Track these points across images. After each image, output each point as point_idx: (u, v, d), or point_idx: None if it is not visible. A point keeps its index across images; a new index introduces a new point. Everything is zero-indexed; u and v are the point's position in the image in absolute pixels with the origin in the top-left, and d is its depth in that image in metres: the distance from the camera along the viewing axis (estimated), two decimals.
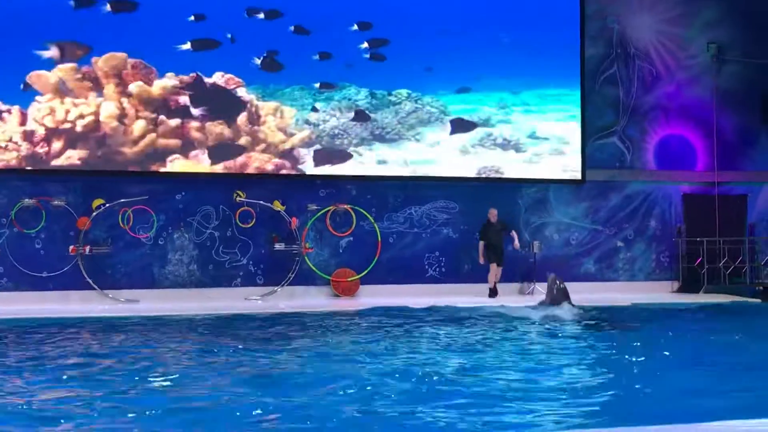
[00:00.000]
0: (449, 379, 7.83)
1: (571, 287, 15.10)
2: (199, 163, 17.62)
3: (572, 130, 19.53)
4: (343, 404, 6.67)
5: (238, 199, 17.52)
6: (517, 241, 18.07)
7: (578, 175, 19.53)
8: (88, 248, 16.63)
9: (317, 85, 18.38)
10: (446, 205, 18.79)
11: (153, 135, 17.35)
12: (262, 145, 17.94)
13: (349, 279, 17.99)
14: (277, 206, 17.66)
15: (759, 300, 17.45)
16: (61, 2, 17.06)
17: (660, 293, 18.76)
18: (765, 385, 7.69)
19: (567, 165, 19.49)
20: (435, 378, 7.83)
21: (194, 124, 17.66)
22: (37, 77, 16.93)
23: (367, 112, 18.62)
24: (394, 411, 6.49)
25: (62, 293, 16.53)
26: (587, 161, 19.59)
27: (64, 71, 17.04)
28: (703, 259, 19.23)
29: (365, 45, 18.60)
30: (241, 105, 17.94)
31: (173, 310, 14.81)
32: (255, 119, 17.99)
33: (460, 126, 18.91)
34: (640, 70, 20.13)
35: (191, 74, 17.66)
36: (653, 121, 20.24)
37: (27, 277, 16.52)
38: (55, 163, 16.91)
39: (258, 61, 18.03)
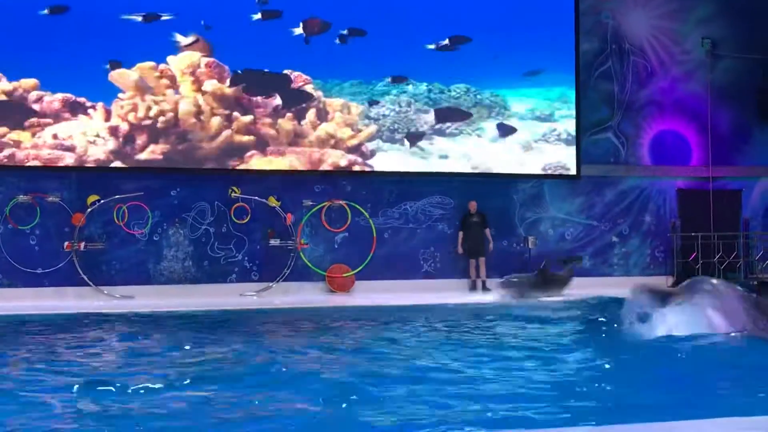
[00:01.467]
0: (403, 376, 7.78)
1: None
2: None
3: (568, 126, 19.77)
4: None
5: (233, 195, 17.57)
6: (491, 243, 18.46)
7: (573, 171, 19.68)
8: (82, 244, 16.66)
9: (389, 79, 18.84)
10: (441, 200, 18.88)
11: (228, 131, 17.82)
12: (332, 141, 18.39)
13: (344, 275, 18.04)
14: (273, 202, 17.73)
15: (754, 295, 17.47)
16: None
17: None
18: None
19: (562, 160, 19.69)
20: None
21: (266, 120, 18.06)
22: (118, 75, 17.33)
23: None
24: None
25: (57, 289, 16.53)
26: (582, 157, 19.71)
27: (142, 69, 17.48)
28: (697, 254, 19.32)
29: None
30: (310, 101, 18.42)
31: (167, 306, 14.88)
32: (323, 115, 18.45)
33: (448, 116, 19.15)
34: (634, 66, 20.26)
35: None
36: (648, 116, 20.38)
37: (21, 273, 16.55)
38: (139, 157, 17.38)
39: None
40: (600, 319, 12.08)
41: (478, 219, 18.55)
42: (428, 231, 18.75)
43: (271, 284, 17.54)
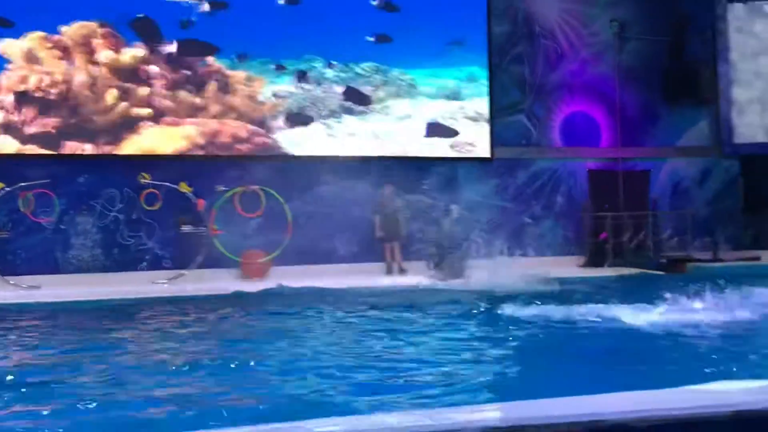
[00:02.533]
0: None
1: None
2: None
3: (477, 105, 19.99)
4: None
5: (143, 181, 17.36)
6: (406, 225, 18.61)
7: (482, 150, 19.89)
8: None
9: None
10: (356, 184, 18.76)
11: (124, 104, 17.52)
12: (234, 114, 18.22)
13: (259, 261, 17.95)
14: (184, 188, 17.56)
15: (662, 272, 18.01)
16: None
17: (567, 268, 18.96)
18: None
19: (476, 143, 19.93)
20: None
21: (164, 92, 17.81)
22: (7, 45, 16.95)
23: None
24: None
25: None
26: (495, 139, 19.92)
27: (34, 40, 17.06)
28: (608, 233, 19.66)
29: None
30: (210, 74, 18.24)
31: (77, 295, 14.69)
32: (225, 88, 18.25)
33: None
34: (545, 49, 20.51)
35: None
36: (558, 98, 20.59)
37: None
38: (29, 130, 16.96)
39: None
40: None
41: (393, 203, 18.62)
42: (344, 215, 18.68)
43: (183, 271, 17.35)
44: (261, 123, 18.63)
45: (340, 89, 19.16)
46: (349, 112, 19.20)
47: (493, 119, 19.96)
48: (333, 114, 19.10)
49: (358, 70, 19.29)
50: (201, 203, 17.64)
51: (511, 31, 20.33)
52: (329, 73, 19.14)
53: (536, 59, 20.43)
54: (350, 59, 19.21)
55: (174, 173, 17.61)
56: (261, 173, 18.32)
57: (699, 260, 19.20)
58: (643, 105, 21.14)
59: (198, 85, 18.22)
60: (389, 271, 18.40)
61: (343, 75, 19.21)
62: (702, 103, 21.16)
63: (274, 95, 18.78)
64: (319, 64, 19.01)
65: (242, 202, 18.15)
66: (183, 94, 18.13)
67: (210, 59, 18.27)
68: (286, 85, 18.86)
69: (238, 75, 18.48)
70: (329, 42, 18.90)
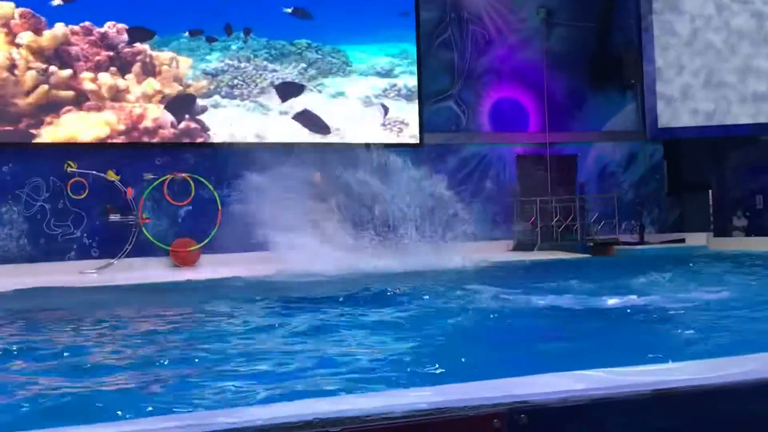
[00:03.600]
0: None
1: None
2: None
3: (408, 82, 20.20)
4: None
5: (69, 169, 17.27)
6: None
7: (414, 130, 20.11)
8: None
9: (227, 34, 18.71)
10: (285, 171, 18.39)
11: (45, 86, 17.28)
12: (158, 97, 18.15)
13: (189, 249, 17.98)
14: (111, 176, 17.53)
15: (588, 255, 18.43)
16: None
17: (496, 253, 19.06)
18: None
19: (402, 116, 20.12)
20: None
21: (87, 74, 17.61)
22: None
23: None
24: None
25: None
26: (425, 125, 20.11)
27: None
28: (536, 218, 20.01)
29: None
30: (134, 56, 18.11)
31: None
32: (150, 70, 18.14)
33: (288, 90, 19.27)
34: (473, 35, 20.70)
35: (81, 24, 17.67)
36: (487, 84, 20.87)
37: None
38: None
39: None
40: None
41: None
42: (273, 203, 18.23)
43: (112, 261, 17.32)
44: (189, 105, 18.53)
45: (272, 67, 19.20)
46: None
47: (422, 105, 20.19)
48: (264, 92, 19.08)
49: (292, 46, 19.43)
50: (129, 191, 17.61)
51: (439, 18, 20.53)
52: (262, 47, 19.18)
53: (465, 45, 20.65)
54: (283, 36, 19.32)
55: (101, 161, 17.55)
56: (190, 160, 18.34)
57: (626, 243, 19.67)
58: (570, 90, 21.48)
59: (122, 67, 18.11)
60: None
61: (274, 53, 19.31)
62: (627, 89, 21.65)
63: (205, 73, 18.76)
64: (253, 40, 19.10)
65: (171, 190, 18.10)
66: (106, 77, 17.98)
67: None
68: (216, 62, 18.82)
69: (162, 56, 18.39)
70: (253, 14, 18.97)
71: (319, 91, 19.44)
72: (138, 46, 18.07)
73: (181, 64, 18.42)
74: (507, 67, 21.02)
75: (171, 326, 9.24)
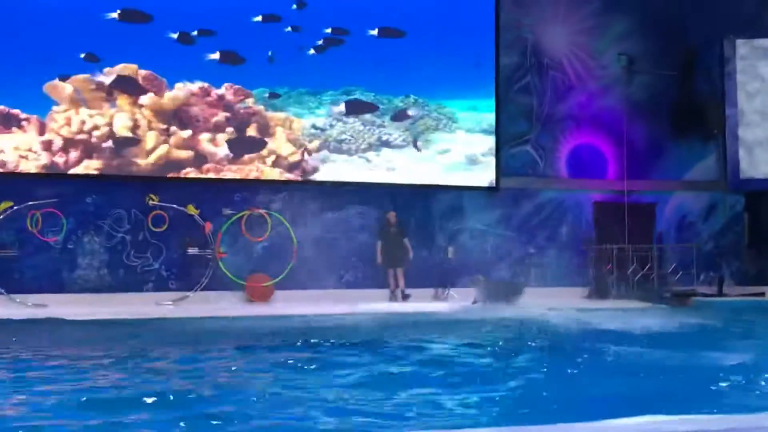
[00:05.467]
0: None
1: None
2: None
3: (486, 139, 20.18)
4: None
5: (150, 202, 17.52)
6: (410, 252, 18.78)
7: (493, 183, 20.08)
8: None
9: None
10: (363, 210, 19.08)
11: (166, 146, 17.94)
12: (273, 157, 18.57)
13: (264, 284, 18.08)
14: (191, 210, 17.74)
15: (666, 305, 17.95)
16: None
17: (571, 299, 18.79)
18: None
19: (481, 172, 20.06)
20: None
21: (206, 135, 18.18)
22: (52, 87, 17.33)
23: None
24: None
25: None
26: (501, 169, 20.07)
27: (78, 82, 17.45)
28: (612, 266, 19.72)
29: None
30: (249, 116, 18.60)
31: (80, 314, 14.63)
32: (264, 130, 18.63)
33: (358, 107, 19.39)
34: (553, 80, 20.70)
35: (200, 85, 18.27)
36: (565, 130, 20.78)
37: None
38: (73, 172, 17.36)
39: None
40: None
41: (397, 229, 18.80)
42: (349, 241, 18.87)
43: (188, 293, 17.53)
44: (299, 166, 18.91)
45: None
46: (386, 144, 19.58)
47: (500, 149, 20.17)
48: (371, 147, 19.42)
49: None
50: (208, 225, 17.78)
51: (519, 63, 20.57)
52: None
53: (544, 90, 20.62)
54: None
55: (181, 195, 17.78)
56: (267, 197, 18.57)
57: (704, 295, 19.28)
58: (650, 138, 21.26)
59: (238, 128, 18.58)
60: (392, 298, 18.57)
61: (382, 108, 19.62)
62: (709, 138, 21.27)
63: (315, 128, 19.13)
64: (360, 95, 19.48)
65: (248, 226, 18.26)
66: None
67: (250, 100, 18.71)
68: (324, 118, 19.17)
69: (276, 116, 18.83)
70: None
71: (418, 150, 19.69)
72: (252, 107, 18.58)
73: (294, 124, 18.88)
74: (586, 113, 20.94)
75: None
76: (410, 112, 19.66)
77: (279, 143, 18.86)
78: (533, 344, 10.78)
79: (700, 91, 21.45)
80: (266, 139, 18.70)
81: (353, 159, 19.37)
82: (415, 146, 19.50)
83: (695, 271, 20.10)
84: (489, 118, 20.24)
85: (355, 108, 19.24)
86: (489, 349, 10.60)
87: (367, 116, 19.38)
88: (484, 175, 20.20)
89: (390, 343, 10.99)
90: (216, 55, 18.23)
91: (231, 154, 18.40)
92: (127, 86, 17.76)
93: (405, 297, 18.46)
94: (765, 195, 21.03)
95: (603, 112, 21.07)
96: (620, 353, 9.65)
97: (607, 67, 21.20)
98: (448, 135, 20.07)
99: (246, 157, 18.55)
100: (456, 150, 20.10)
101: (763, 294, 19.67)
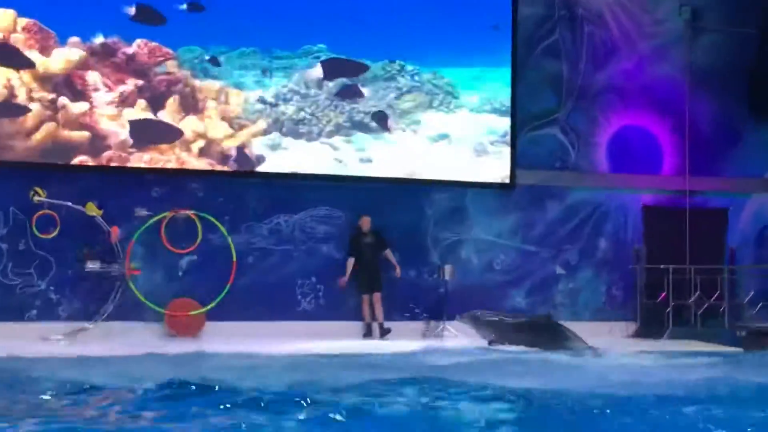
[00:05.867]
0: None
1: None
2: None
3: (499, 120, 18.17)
4: None
5: (36, 199, 15.40)
6: (397, 268, 16.89)
7: (506, 178, 18.02)
8: None
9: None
10: (329, 213, 17.12)
11: (53, 123, 15.90)
12: (201, 143, 16.48)
13: (190, 313, 16.00)
14: (92, 210, 15.65)
15: (740, 349, 15.88)
16: None
17: (611, 337, 17.06)
18: None
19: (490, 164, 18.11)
20: None
21: (107, 110, 16.06)
22: None
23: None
24: None
25: None
26: (518, 159, 18.04)
27: None
28: (668, 293, 17.80)
29: None
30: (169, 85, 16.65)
31: None
32: (190, 105, 16.57)
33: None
34: (590, 39, 18.67)
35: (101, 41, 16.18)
36: (606, 107, 18.81)
37: None
38: None
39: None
40: None
41: (373, 240, 16.89)
42: (309, 255, 16.95)
43: (87, 324, 15.34)
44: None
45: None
46: (362, 128, 17.40)
47: (516, 133, 18.05)
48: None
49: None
50: (115, 231, 15.66)
51: (544, 15, 18.47)
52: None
53: (578, 53, 18.61)
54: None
55: (78, 189, 15.67)
56: (198, 193, 16.46)
57: None
58: (721, 119, 19.34)
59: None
60: (368, 333, 16.62)
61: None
62: None
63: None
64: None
65: (170, 232, 16.16)
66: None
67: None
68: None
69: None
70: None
71: (414, 131, 17.54)
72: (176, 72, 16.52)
73: (231, 98, 16.80)
74: (634, 85, 18.91)
75: None
76: (364, 90, 17.37)
77: (211, 124, 16.57)
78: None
79: None
80: (194, 117, 16.37)
81: (314, 145, 17.26)
82: (384, 126, 17.33)
83: None
84: (503, 91, 18.09)
85: (336, 69, 17.11)
86: None
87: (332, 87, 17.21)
88: (495, 169, 18.05)
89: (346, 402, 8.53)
90: (131, 10, 16.06)
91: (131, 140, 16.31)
92: None
93: (384, 332, 16.49)
94: None
95: (657, 83, 19.00)
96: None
97: (664, 23, 19.06)
98: (445, 115, 17.97)
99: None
100: (457, 135, 17.92)
101: None
